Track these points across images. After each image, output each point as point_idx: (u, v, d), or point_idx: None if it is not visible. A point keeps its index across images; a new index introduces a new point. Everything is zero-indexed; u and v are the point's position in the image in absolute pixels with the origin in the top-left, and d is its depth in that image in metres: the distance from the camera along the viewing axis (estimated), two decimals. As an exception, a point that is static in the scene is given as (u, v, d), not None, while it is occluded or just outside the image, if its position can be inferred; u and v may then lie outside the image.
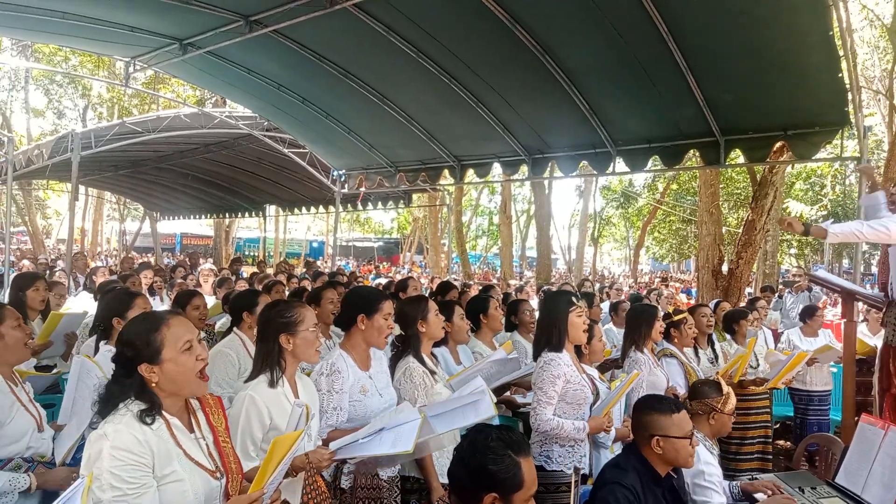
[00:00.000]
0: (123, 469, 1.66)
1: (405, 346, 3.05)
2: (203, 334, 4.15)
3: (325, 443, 2.46)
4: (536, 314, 4.49)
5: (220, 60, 7.62)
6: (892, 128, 13.77)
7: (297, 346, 2.39)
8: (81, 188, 21.84)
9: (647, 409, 2.61)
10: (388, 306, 2.78)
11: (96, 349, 3.11)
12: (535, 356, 3.22)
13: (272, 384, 2.33)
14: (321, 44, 7.03)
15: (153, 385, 1.78)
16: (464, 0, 5.53)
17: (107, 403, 1.77)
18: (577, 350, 3.33)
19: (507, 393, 3.86)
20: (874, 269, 17.89)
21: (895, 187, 3.75)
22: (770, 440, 4.87)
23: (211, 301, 6.21)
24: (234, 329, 3.59)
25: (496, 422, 2.68)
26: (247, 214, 18.87)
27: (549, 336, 3.13)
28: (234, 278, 8.65)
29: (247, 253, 35.42)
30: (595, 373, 3.54)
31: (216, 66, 7.77)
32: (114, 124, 11.23)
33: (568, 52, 6.06)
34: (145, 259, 19.89)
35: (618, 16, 5.24)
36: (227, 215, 19.80)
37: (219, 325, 5.38)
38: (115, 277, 7.00)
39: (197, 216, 20.94)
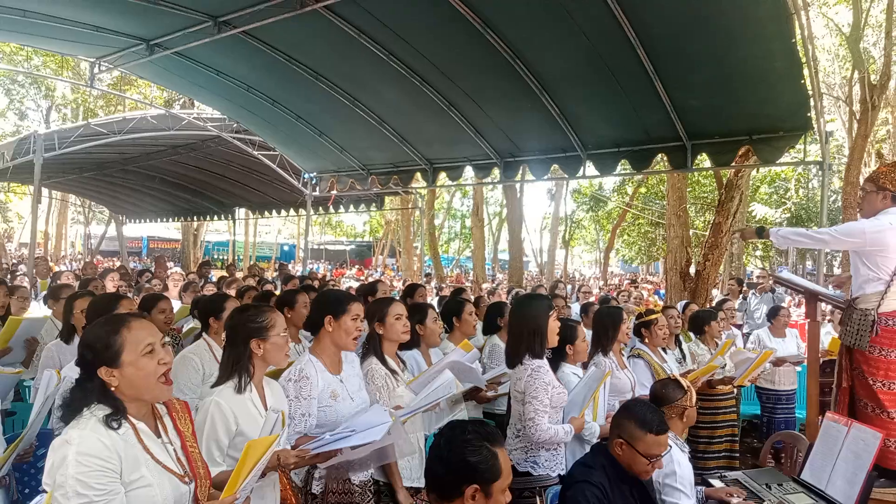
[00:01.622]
0: (90, 475, 1.61)
1: (369, 347, 3.04)
2: (168, 339, 4.06)
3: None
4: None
5: (188, 61, 7.52)
6: (851, 133, 14.18)
7: (267, 351, 2.35)
8: (45, 190, 21.27)
9: (630, 413, 2.60)
10: (357, 308, 2.75)
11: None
12: (513, 362, 3.18)
13: (239, 390, 2.29)
14: (291, 45, 6.98)
15: (114, 389, 1.75)
16: (436, 4, 5.54)
17: (70, 408, 1.72)
18: (562, 351, 3.36)
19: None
20: (836, 271, 18.38)
21: (862, 191, 3.86)
22: (737, 438, 4.96)
23: (177, 305, 6.11)
24: (203, 335, 3.53)
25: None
26: (216, 217, 18.63)
27: (531, 342, 3.10)
28: (202, 282, 8.51)
29: (216, 257, 34.94)
30: (580, 371, 3.55)
31: (184, 66, 7.66)
32: (78, 125, 10.99)
33: (539, 57, 6.12)
34: (111, 263, 19.47)
35: (588, 22, 5.31)
36: (195, 218, 19.53)
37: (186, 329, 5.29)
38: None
39: (164, 219, 20.62)
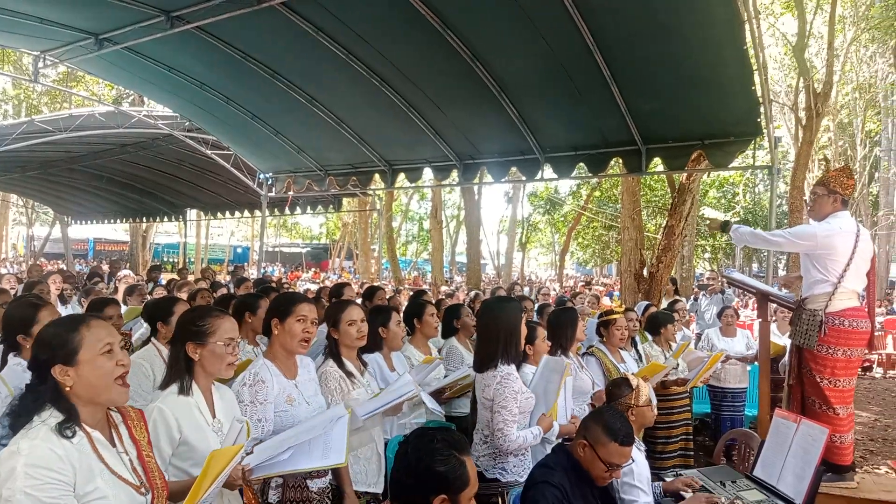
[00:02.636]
0: (41, 488, 1.52)
1: (327, 349, 2.98)
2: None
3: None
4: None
5: (139, 57, 7.28)
6: (797, 139, 14.72)
7: (204, 357, 2.22)
8: (-17, 190, 20.37)
9: (600, 419, 2.60)
10: (303, 309, 2.66)
11: (3, 362, 2.85)
12: (483, 367, 3.12)
13: (183, 391, 2.18)
14: (247, 42, 6.83)
15: (68, 390, 1.66)
16: (396, 4, 5.50)
17: (19, 416, 1.62)
18: (522, 352, 3.33)
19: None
20: (781, 272, 19.05)
21: (813, 194, 4.00)
22: (691, 437, 5.07)
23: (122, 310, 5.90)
24: (152, 339, 3.40)
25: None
26: (166, 219, 18.15)
27: (507, 346, 3.06)
28: (151, 286, 8.25)
29: (165, 259, 34.07)
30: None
31: (134, 62, 7.41)
32: (21, 122, 10.58)
33: (499, 61, 6.14)
34: (55, 265, 18.75)
35: (548, 27, 5.36)
36: (144, 219, 18.99)
37: (137, 335, 5.11)
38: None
39: (112, 220, 19.97)
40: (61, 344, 1.67)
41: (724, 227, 4.28)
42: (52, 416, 1.63)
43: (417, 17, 5.55)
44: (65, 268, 16.98)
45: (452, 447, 1.78)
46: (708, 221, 4.80)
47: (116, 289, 7.44)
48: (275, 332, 2.65)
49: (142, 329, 4.98)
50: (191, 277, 10.25)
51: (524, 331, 3.16)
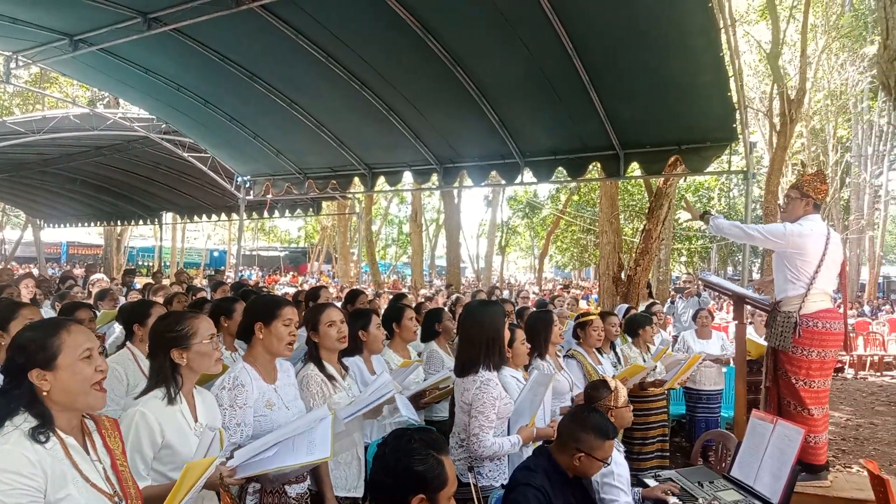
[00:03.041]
0: (9, 495, 1.48)
1: (308, 354, 2.96)
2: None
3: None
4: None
5: (115, 58, 7.18)
6: (771, 144, 14.98)
7: (191, 359, 2.22)
8: (-49, 192, 19.88)
9: (586, 426, 2.62)
10: (288, 312, 2.65)
11: None
12: (464, 371, 3.11)
13: (169, 401, 2.16)
14: (225, 45, 6.78)
15: (44, 395, 1.63)
16: (377, 8, 5.49)
17: None
18: None
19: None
20: (755, 276, 19.36)
21: (787, 197, 4.08)
22: (668, 438, 5.12)
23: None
24: (126, 343, 3.36)
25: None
26: (141, 222, 17.89)
27: (490, 351, 3.05)
28: (126, 290, 8.12)
29: (140, 263, 33.60)
30: (520, 374, 3.56)
31: (110, 64, 7.31)
32: (-9, 123, 10.35)
33: (479, 65, 6.17)
34: (27, 269, 18.36)
35: (528, 32, 5.39)
36: (119, 223, 18.71)
37: (110, 340, 5.03)
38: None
39: (85, 224, 19.65)
40: (39, 348, 1.64)
41: (704, 216, 4.35)
42: (25, 421, 1.60)
43: (398, 20, 5.55)
44: (37, 272, 16.64)
45: (430, 447, 1.79)
46: (686, 208, 5.08)
47: (90, 293, 7.30)
48: (259, 337, 2.63)
49: (115, 334, 4.91)
50: (166, 281, 10.12)
51: (507, 335, 3.16)
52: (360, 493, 2.95)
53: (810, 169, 23.04)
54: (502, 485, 3.04)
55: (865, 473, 3.44)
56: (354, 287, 9.98)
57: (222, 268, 26.58)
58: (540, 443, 3.18)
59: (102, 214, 17.91)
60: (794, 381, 3.82)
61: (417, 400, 3.57)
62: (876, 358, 13.54)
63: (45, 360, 1.63)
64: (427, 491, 1.74)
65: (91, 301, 6.51)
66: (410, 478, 1.75)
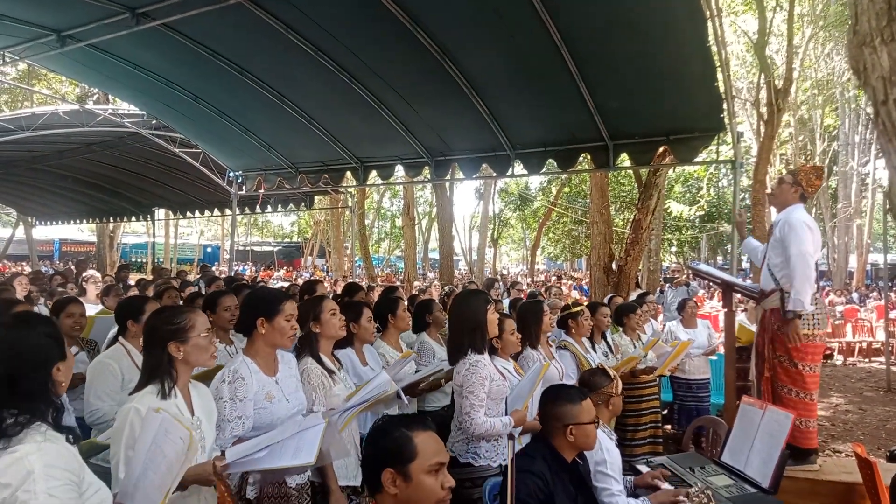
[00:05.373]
0: (61, 490, 1.50)
1: (303, 346, 3.01)
2: (75, 348, 3.87)
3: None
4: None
5: (104, 54, 7.14)
6: (759, 134, 15.06)
7: (188, 353, 2.26)
8: (-61, 190, 19.69)
9: (558, 399, 2.71)
10: (290, 307, 2.71)
11: None
12: (455, 359, 3.23)
13: (163, 396, 2.18)
14: (215, 39, 6.76)
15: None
16: (365, 1, 5.50)
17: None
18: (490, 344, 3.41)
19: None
20: (745, 265, 19.50)
21: (780, 181, 4.14)
22: (660, 424, 5.20)
23: (95, 309, 5.83)
24: (119, 339, 3.39)
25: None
26: (133, 218, 17.78)
27: (473, 338, 3.18)
28: (120, 286, 8.12)
29: (134, 259, 33.45)
30: (510, 365, 3.63)
31: (99, 59, 7.27)
32: (-21, 121, 10.27)
33: (468, 57, 6.18)
34: (20, 268, 18.27)
35: (516, 25, 5.41)
36: (111, 219, 18.60)
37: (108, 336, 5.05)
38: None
39: (78, 221, 19.53)
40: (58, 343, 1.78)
41: (789, 315, 3.90)
42: (38, 424, 1.64)
43: (387, 14, 5.56)
44: (29, 269, 16.56)
45: (399, 423, 1.80)
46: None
47: (84, 289, 7.30)
48: (261, 331, 2.67)
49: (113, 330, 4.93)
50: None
51: (493, 319, 3.26)
52: (358, 482, 3.01)
53: (797, 159, 23.22)
54: (500, 465, 3.11)
55: (853, 457, 3.52)
56: (350, 281, 10.00)
57: (211, 264, 26.49)
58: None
59: (94, 211, 17.78)
60: (800, 366, 3.89)
61: (412, 390, 3.62)
62: (864, 344, 13.71)
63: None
64: (395, 464, 1.73)
65: (87, 297, 6.53)
66: (378, 453, 1.77)
